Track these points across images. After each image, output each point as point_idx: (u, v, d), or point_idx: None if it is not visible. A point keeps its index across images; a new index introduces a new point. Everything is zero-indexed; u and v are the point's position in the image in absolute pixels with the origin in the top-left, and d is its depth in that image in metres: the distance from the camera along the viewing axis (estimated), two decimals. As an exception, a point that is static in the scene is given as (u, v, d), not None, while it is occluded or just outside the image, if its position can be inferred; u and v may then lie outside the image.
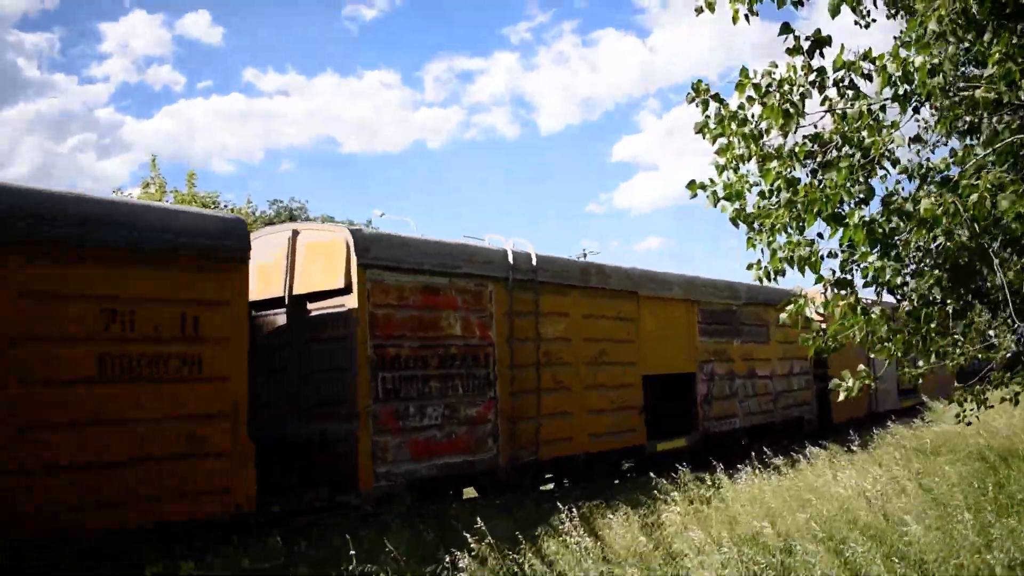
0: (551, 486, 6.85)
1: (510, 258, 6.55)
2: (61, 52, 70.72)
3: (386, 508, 5.25)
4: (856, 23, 4.45)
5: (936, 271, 3.52)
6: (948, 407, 8.43)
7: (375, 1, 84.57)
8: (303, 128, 67.28)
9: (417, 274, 5.78)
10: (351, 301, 5.40)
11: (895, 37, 3.80)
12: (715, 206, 3.61)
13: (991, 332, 4.57)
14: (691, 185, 3.58)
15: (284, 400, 5.77)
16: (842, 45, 3.32)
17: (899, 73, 3.00)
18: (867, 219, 3.19)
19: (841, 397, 3.35)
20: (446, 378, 5.88)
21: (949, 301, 3.72)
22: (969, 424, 4.74)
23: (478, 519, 3.77)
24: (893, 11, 4.62)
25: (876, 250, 3.33)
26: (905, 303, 3.86)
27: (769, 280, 3.69)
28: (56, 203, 4.05)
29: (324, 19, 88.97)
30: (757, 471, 5.69)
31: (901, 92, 3.12)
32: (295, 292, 5.77)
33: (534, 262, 6.76)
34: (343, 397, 5.34)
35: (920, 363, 3.79)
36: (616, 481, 7.38)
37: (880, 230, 3.19)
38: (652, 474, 5.65)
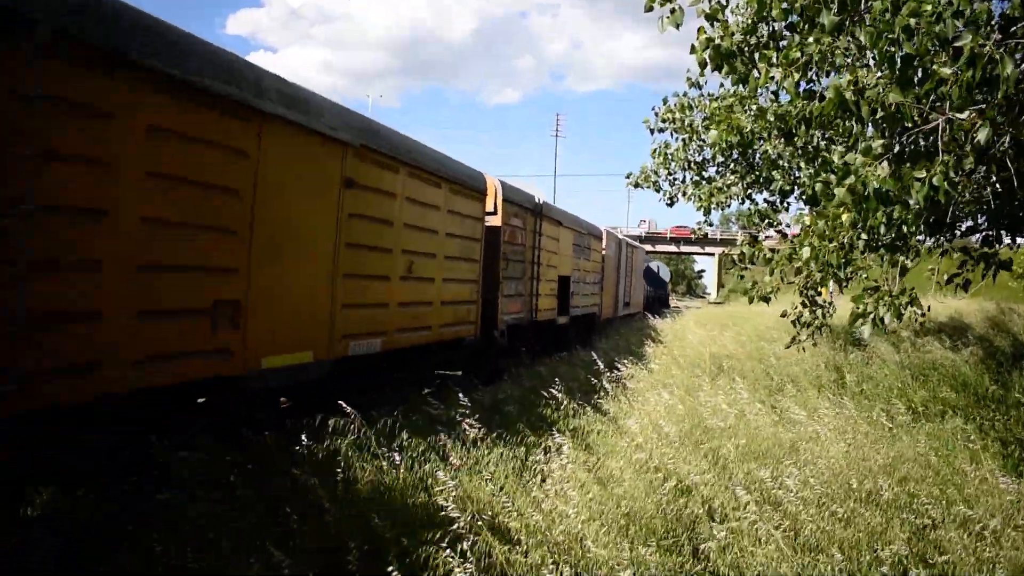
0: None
1: (536, 199, 12.80)
2: None
3: (501, 339, 11.33)
4: None
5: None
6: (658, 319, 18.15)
7: None
8: None
9: (515, 205, 11.68)
10: (497, 220, 11.07)
11: None
12: (677, 27, 3.64)
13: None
14: None
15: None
16: None
17: None
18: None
19: (865, 331, 4.01)
20: (516, 267, 11.99)
21: None
22: (805, 351, 6.27)
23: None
24: None
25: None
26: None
27: (740, 144, 5.64)
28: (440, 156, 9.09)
29: None
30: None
31: None
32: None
33: (541, 202, 13.11)
34: (492, 275, 11.06)
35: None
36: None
37: None
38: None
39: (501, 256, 11.18)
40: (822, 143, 5.98)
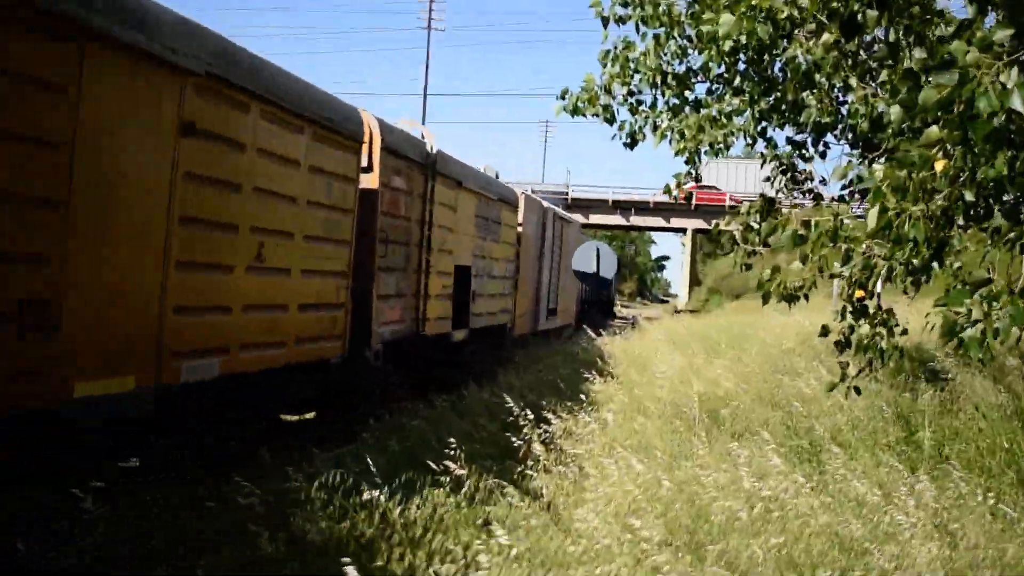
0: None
1: (428, 147, 14.13)
2: None
3: (375, 361, 12.56)
4: None
5: None
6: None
7: None
8: None
9: (398, 157, 12.93)
10: (373, 181, 12.30)
11: None
12: None
13: None
14: None
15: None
16: None
17: None
18: None
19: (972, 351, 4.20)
20: (398, 252, 13.24)
21: None
22: (859, 393, 6.37)
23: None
24: None
25: None
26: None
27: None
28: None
29: None
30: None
31: None
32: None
33: (434, 152, 14.45)
34: (364, 265, 12.24)
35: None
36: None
37: None
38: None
39: (378, 236, 12.37)
40: (902, 41, 5.94)
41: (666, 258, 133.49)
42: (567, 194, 68.24)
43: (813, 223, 5.61)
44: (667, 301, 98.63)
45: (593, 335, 19.81)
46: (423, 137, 14.41)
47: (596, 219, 71.61)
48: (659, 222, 73.74)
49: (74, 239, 6.34)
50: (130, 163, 6.99)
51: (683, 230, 75.35)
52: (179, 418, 8.19)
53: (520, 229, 21.94)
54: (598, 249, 31.76)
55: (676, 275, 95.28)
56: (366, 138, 12.10)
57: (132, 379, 7.11)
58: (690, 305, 65.24)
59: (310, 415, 12.71)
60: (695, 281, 76.58)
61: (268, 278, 9.23)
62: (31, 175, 6.05)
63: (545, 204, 25.17)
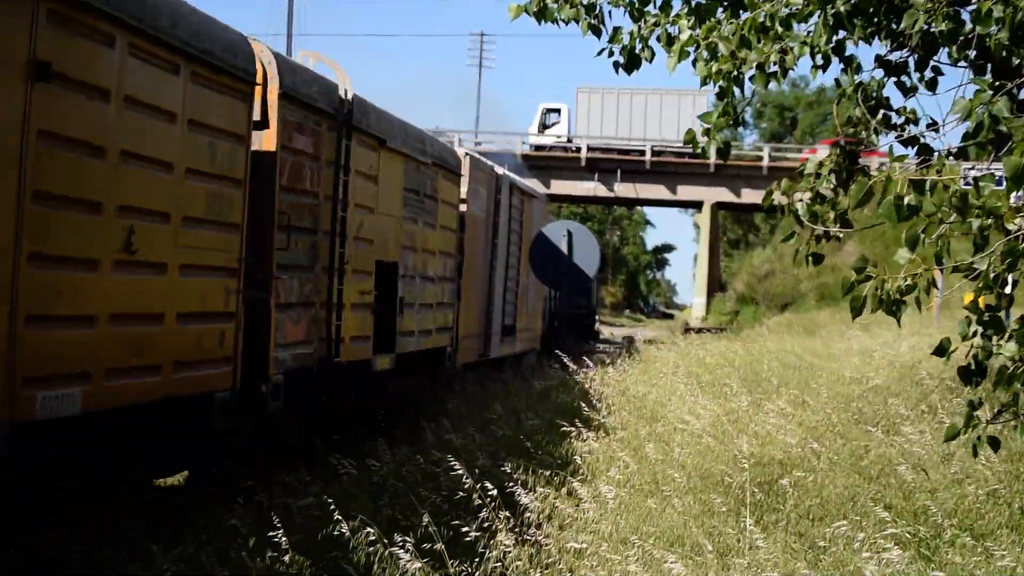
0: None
1: (343, 92, 15.07)
2: None
3: (273, 401, 13.43)
4: None
5: None
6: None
7: None
8: None
9: (302, 107, 13.86)
10: (270, 140, 13.22)
11: None
12: None
13: None
14: None
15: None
16: None
17: None
18: None
19: None
20: (302, 242, 14.13)
21: None
22: (997, 448, 6.44)
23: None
24: None
25: None
26: None
27: None
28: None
29: None
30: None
31: None
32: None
33: (350, 98, 15.37)
34: (259, 258, 13.13)
35: None
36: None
37: None
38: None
39: (278, 220, 13.22)
40: None
41: (670, 248, 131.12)
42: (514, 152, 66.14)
43: (928, 186, 5.56)
44: (671, 315, 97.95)
45: (571, 365, 19.85)
46: (333, 77, 15.21)
47: (561, 187, 70.09)
48: (660, 192, 71.97)
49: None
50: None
51: (697, 204, 74.62)
52: (27, 473, 8.96)
53: (465, 208, 22.78)
54: (570, 233, 29.49)
55: (685, 275, 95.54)
56: (259, 79, 12.98)
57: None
58: (706, 320, 64.23)
59: (178, 478, 13.51)
60: (719, 284, 75.81)
61: (140, 276, 10.13)
62: None
63: (498, 170, 25.70)
